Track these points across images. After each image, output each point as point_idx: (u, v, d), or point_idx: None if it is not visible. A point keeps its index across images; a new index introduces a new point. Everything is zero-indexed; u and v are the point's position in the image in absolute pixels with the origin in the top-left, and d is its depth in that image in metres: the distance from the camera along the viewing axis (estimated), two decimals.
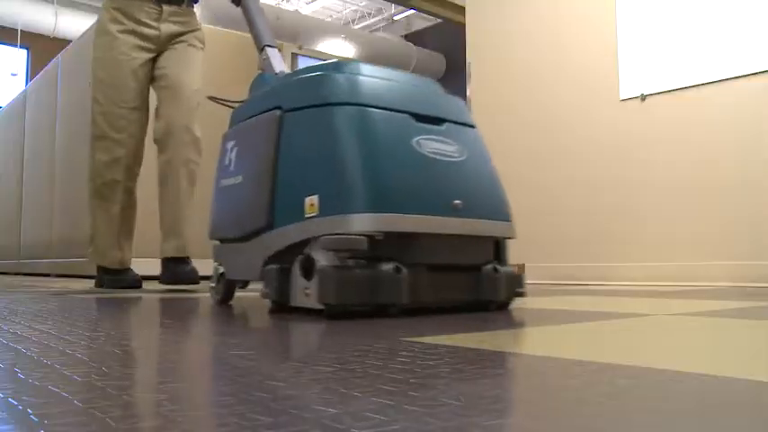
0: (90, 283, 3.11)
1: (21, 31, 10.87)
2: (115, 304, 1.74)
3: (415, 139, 1.44)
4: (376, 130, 1.40)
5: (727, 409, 0.51)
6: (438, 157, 1.46)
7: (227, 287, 1.75)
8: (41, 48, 11.11)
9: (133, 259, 2.76)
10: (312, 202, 1.36)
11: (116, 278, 2.68)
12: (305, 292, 1.34)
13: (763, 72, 3.08)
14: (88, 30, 4.26)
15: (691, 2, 3.36)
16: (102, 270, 2.73)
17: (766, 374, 0.67)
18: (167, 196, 2.63)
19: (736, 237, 3.12)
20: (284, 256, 1.42)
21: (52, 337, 0.93)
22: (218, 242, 1.77)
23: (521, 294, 1.56)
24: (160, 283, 2.66)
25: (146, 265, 2.92)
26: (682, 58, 3.36)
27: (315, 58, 4.38)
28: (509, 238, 1.57)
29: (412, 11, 11.01)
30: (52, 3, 10.43)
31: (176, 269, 2.60)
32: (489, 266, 1.49)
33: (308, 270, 1.34)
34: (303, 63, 4.21)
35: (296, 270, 1.38)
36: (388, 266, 1.30)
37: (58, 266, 4.30)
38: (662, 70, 3.44)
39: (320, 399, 0.53)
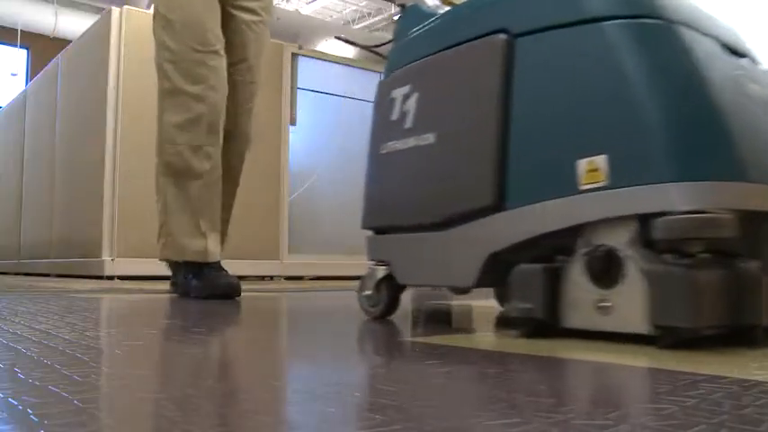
0: (91, 284, 3.10)
1: (21, 31, 10.87)
2: (122, 304, 1.74)
3: (734, 75, 1.03)
4: (696, 58, 0.95)
5: None
6: (760, 101, 1.05)
7: (392, 295, 1.26)
8: (41, 48, 11.11)
9: (137, 261, 2.70)
10: (594, 165, 0.93)
11: (205, 283, 1.96)
12: (599, 307, 0.90)
13: None
14: (88, 30, 4.26)
15: None
16: (183, 268, 2.05)
17: None
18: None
19: None
20: (523, 251, 1.00)
21: (52, 337, 0.93)
22: (373, 233, 1.32)
23: None
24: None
25: (146, 266, 2.92)
26: None
27: (315, 58, 4.37)
28: None
29: None
30: (52, 3, 10.43)
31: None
32: None
33: (608, 272, 0.90)
34: (303, 63, 4.20)
35: (575, 272, 0.93)
36: (748, 265, 0.87)
37: (58, 266, 4.30)
38: None
39: None
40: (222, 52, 2.06)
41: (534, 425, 0.45)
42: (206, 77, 2.01)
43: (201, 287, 1.96)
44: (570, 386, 0.62)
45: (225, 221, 2.13)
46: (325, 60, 4.43)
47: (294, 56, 4.20)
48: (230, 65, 2.09)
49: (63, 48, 4.73)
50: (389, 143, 1.25)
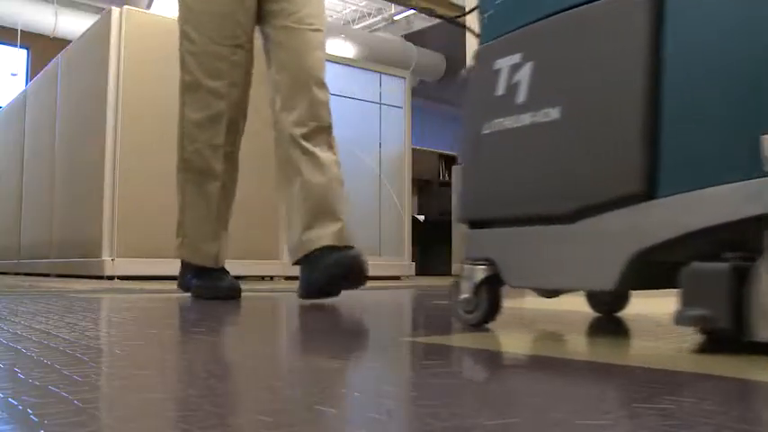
0: (91, 284, 3.10)
1: (21, 31, 10.87)
2: (122, 304, 1.74)
3: None
4: None
5: None
6: None
7: (493, 299, 1.09)
8: (41, 48, 11.10)
9: (142, 261, 2.70)
10: None
11: (209, 284, 1.96)
12: None
13: None
14: (88, 30, 4.26)
15: None
16: (191, 270, 2.03)
17: None
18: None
19: None
20: (680, 248, 0.83)
21: (52, 337, 0.93)
22: (469, 228, 1.14)
23: None
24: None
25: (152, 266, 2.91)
26: None
27: None
28: None
29: (412, 11, 11.01)
30: (52, 3, 10.43)
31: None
32: None
33: None
34: None
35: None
36: None
37: (58, 266, 4.30)
38: None
39: None
40: (248, 46, 1.96)
41: (534, 425, 0.45)
42: (227, 73, 1.92)
43: (204, 289, 1.95)
44: (576, 390, 0.62)
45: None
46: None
47: None
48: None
49: (63, 48, 4.73)
50: (495, 121, 1.06)
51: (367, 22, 13.14)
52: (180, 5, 1.99)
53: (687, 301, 0.80)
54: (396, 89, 5.05)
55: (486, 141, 1.08)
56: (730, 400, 0.54)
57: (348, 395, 0.55)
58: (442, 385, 0.59)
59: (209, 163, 1.94)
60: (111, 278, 3.52)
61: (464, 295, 1.09)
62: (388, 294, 2.48)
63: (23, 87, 5.96)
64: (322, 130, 1.93)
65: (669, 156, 0.84)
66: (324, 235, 1.83)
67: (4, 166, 5.85)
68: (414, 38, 13.07)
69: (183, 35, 1.96)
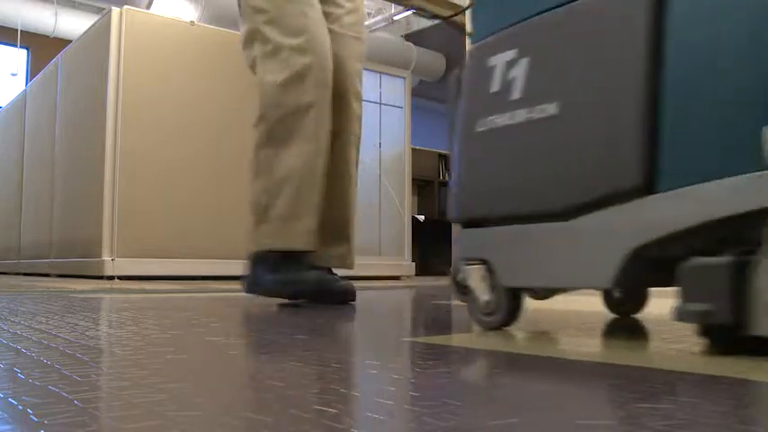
0: (91, 284, 3.10)
1: (21, 31, 10.87)
2: (122, 304, 1.74)
3: None
4: None
5: None
6: None
7: (511, 300, 1.04)
8: (41, 48, 11.10)
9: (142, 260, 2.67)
10: None
11: (291, 278, 1.73)
12: None
13: None
14: (88, 30, 4.26)
15: None
16: (270, 261, 1.75)
17: None
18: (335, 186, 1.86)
19: None
20: (678, 244, 0.82)
21: (52, 337, 0.93)
22: (463, 227, 1.13)
23: None
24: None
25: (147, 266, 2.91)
26: None
27: None
28: None
29: (412, 11, 11.01)
30: (52, 3, 10.43)
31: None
32: None
33: None
34: None
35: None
36: None
37: (58, 266, 4.30)
38: None
39: None
40: (318, 6, 1.87)
41: (534, 425, 0.45)
42: (306, 28, 1.80)
43: (284, 284, 1.73)
44: (576, 391, 0.62)
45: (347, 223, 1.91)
46: None
47: None
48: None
49: (63, 48, 4.73)
50: (489, 118, 1.05)
51: (367, 23, 13.14)
52: None
53: (687, 297, 0.79)
54: (396, 89, 5.05)
55: (479, 139, 1.07)
56: (730, 400, 0.54)
57: (348, 395, 0.55)
58: (442, 385, 0.59)
59: (297, 126, 1.75)
60: (111, 278, 3.51)
61: (486, 297, 1.05)
62: (388, 294, 2.48)
63: (23, 87, 5.95)
64: (352, 144, 1.95)
65: (668, 150, 0.83)
66: (332, 257, 1.86)
67: (4, 166, 5.85)
68: (413, 38, 13.07)
69: (254, 10, 1.84)
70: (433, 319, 1.43)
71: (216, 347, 0.89)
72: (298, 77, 1.76)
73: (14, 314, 1.34)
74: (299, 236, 1.72)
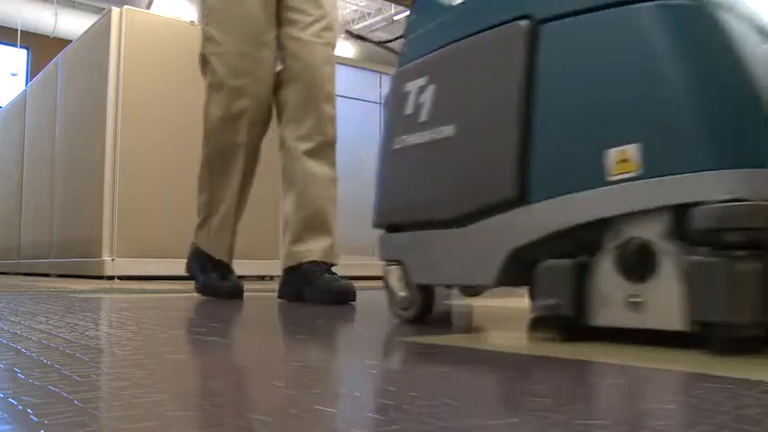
0: (91, 284, 3.11)
1: (21, 31, 10.88)
2: (122, 304, 1.74)
3: None
4: (732, 41, 0.90)
5: None
6: None
7: (425, 295, 1.20)
8: (41, 48, 11.11)
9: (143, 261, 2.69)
10: (624, 155, 0.89)
11: (214, 282, 2.01)
12: (630, 303, 0.86)
13: None
14: (88, 30, 4.26)
15: None
16: (202, 260, 2.05)
17: None
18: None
19: None
20: (546, 248, 0.96)
21: (52, 337, 0.93)
22: (384, 231, 1.28)
23: None
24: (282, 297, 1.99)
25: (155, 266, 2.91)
26: None
27: None
28: None
29: None
30: (52, 3, 10.43)
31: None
32: None
33: (641, 266, 0.86)
34: None
35: (604, 267, 0.89)
36: None
37: (58, 266, 4.30)
38: None
39: None
40: (272, 44, 1.99)
41: (533, 425, 0.45)
42: (251, 71, 1.95)
43: (207, 287, 2.01)
44: (569, 386, 0.62)
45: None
46: None
47: None
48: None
49: (63, 48, 4.73)
50: (403, 137, 1.20)
51: (367, 22, 13.14)
52: (203, 6, 2.03)
53: (541, 294, 0.94)
54: None
55: (395, 155, 1.23)
56: (730, 400, 0.54)
57: (348, 395, 0.56)
58: (441, 385, 0.59)
59: (229, 160, 1.98)
60: (111, 278, 3.52)
61: (403, 293, 1.21)
62: None
63: (23, 87, 5.96)
64: (327, 146, 2.00)
65: (538, 167, 0.98)
66: (314, 249, 1.93)
67: (4, 166, 5.85)
68: None
69: (207, 37, 1.99)
70: (432, 319, 1.43)
71: (216, 347, 0.89)
72: (234, 118, 1.95)
73: (14, 314, 1.34)
74: (223, 249, 2.02)
